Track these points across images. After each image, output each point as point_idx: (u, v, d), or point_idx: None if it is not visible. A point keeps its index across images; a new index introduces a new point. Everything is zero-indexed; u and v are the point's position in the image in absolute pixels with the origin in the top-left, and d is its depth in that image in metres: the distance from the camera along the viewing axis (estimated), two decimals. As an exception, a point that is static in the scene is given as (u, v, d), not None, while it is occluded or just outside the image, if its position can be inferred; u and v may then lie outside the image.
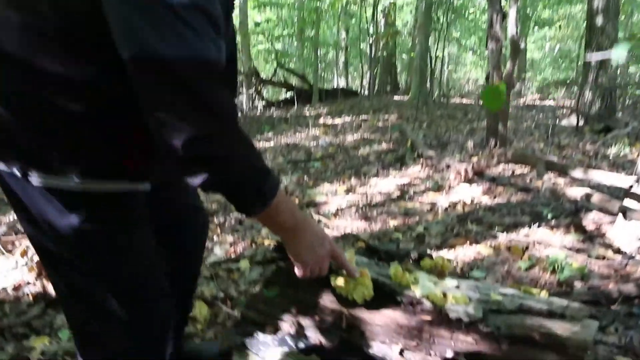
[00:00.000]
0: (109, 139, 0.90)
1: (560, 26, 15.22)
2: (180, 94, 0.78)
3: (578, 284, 2.28)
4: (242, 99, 11.26)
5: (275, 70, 14.78)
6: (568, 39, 21.44)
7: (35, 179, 0.89)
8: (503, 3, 4.80)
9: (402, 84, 17.54)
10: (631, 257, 2.54)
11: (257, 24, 14.80)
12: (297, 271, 1.09)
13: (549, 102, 11.31)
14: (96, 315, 1.03)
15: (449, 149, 5.22)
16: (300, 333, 1.22)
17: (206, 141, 0.82)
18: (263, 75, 14.92)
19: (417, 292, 1.17)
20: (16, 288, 2.52)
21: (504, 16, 4.65)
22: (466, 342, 1.08)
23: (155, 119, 0.81)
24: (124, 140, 0.91)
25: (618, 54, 0.84)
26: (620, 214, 2.70)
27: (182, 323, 1.48)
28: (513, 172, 4.09)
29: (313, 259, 1.07)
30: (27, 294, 2.44)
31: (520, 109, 9.41)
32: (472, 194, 3.60)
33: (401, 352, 1.11)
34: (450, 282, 1.22)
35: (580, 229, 2.88)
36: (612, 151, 4.93)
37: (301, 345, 1.19)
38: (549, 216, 3.03)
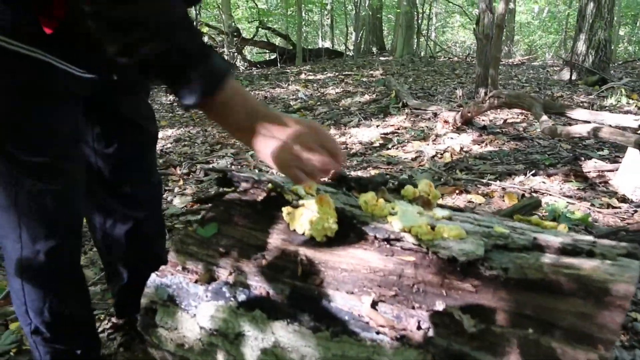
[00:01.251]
0: None
1: None
2: None
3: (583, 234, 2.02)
4: (223, 58, 10.76)
5: (257, 29, 14.23)
6: (558, 1, 21.01)
7: None
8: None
9: (389, 45, 17.05)
10: (639, 205, 2.29)
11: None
12: (290, 178, 0.85)
13: (537, 63, 11.00)
14: None
15: (436, 99, 4.90)
16: (240, 282, 0.91)
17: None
18: (245, 35, 14.36)
19: (395, 225, 0.87)
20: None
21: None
22: (462, 290, 0.78)
23: None
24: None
25: None
26: (624, 161, 2.43)
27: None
28: (505, 121, 3.80)
29: (289, 155, 0.82)
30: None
31: (510, 67, 9.10)
32: (460, 142, 3.30)
33: (374, 305, 0.81)
34: (440, 212, 0.93)
35: (580, 176, 2.61)
36: (608, 102, 4.65)
37: (242, 297, 0.89)
38: (546, 163, 2.75)
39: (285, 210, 0.95)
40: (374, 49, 15.93)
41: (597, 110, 4.43)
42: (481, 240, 0.82)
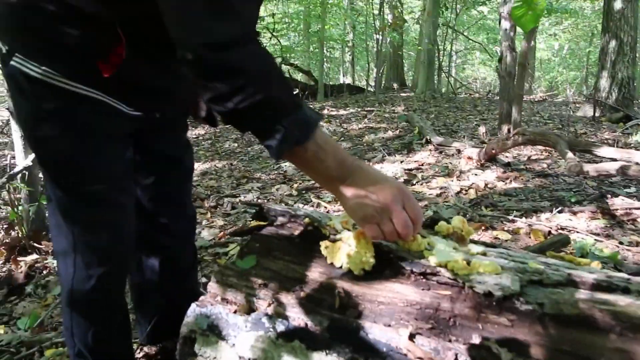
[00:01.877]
0: (86, 41, 0.93)
1: (576, 11, 14.84)
2: None
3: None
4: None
5: (280, 66, 14.55)
6: (579, 39, 21.12)
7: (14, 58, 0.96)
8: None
9: (409, 81, 17.24)
10: (668, 244, 2.26)
11: (261, 19, 14.52)
12: (367, 232, 0.91)
13: (559, 99, 11.00)
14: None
15: (459, 136, 4.94)
16: (279, 313, 0.95)
17: (222, 48, 0.78)
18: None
19: (431, 260, 0.89)
20: (-22, 272, 2.27)
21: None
22: (499, 324, 0.80)
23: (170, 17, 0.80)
24: (101, 46, 0.94)
25: None
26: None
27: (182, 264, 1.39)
28: (529, 158, 3.81)
29: (374, 212, 0.87)
30: (-11, 279, 2.19)
31: (531, 103, 9.12)
32: (485, 178, 3.31)
33: (411, 337, 0.83)
34: (475, 248, 0.95)
35: (608, 214, 2.59)
36: (633, 139, 4.63)
37: (281, 327, 0.92)
38: (572, 200, 2.75)
39: (323, 244, 0.98)
40: (395, 85, 16.13)
41: (622, 147, 4.42)
42: (516, 276, 0.84)
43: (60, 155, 1.03)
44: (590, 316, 0.77)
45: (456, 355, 0.80)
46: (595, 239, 2.27)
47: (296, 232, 1.10)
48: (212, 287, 1.06)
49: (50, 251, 2.42)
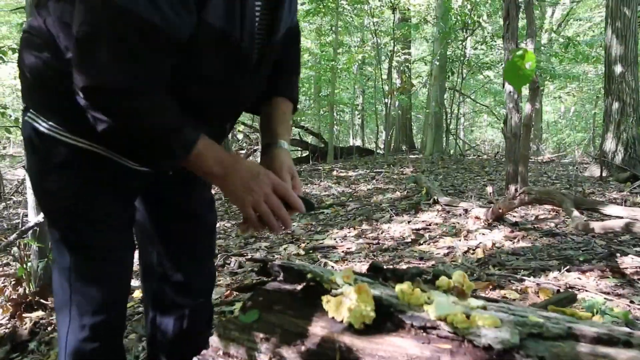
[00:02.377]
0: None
1: (578, 76, 15.14)
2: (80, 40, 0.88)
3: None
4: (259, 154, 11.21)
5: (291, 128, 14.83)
6: (584, 102, 21.44)
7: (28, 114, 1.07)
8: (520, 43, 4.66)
9: (418, 144, 17.46)
10: (681, 304, 2.22)
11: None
12: (242, 222, 1.11)
13: (567, 160, 11.06)
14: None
15: (466, 196, 4.96)
16: (280, 367, 0.95)
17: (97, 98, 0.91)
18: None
19: (431, 313, 0.90)
20: (-17, 329, 2.28)
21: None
22: (498, 377, 0.80)
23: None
24: None
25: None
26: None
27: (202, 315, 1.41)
28: (536, 217, 3.81)
29: (250, 196, 1.05)
30: (-6, 336, 2.19)
31: (539, 164, 9.18)
32: (492, 238, 3.31)
33: (411, 391, 0.83)
34: (474, 302, 0.96)
35: (618, 272, 2.56)
36: (641, 199, 4.62)
37: (281, 382, 0.92)
38: (581, 259, 2.73)
39: (325, 298, 0.99)
40: (404, 147, 16.35)
41: (630, 206, 4.41)
42: (516, 329, 0.84)
43: (63, 207, 1.10)
44: (592, 370, 0.77)
45: (456, 410, 0.79)
46: (605, 298, 2.24)
47: (299, 287, 1.11)
48: (215, 341, 1.06)
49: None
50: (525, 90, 5.56)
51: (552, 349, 0.81)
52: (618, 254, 2.81)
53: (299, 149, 15.56)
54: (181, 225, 1.31)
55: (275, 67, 1.24)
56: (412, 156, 13.26)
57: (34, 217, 2.45)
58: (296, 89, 1.36)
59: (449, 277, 1.07)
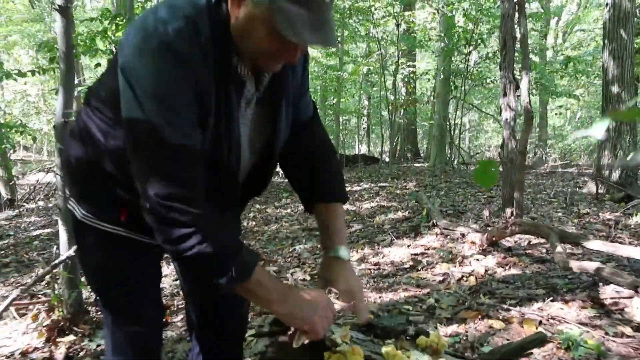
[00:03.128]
0: (112, 196, 1.26)
1: (578, 97, 15.33)
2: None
3: (595, 363, 2.20)
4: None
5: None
6: (590, 107, 21.56)
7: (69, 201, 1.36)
8: (516, 74, 4.90)
9: (424, 150, 17.72)
10: (651, 335, 2.45)
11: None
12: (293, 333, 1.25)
13: (572, 169, 11.23)
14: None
15: (465, 217, 5.20)
16: (290, 412, 1.20)
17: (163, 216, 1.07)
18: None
19: (409, 372, 1.15)
20: (24, 353, 2.55)
21: (517, 86, 4.73)
22: None
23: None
24: (121, 201, 1.25)
25: (597, 130, 0.86)
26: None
27: None
28: (529, 242, 4.04)
29: (304, 323, 1.19)
30: (35, 359, 2.46)
31: (541, 177, 9.38)
32: (486, 264, 3.54)
33: None
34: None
35: (597, 303, 2.79)
36: (634, 220, 4.83)
37: None
38: (565, 289, 2.96)
39: (327, 354, 1.25)
40: (409, 155, 16.59)
41: (621, 229, 4.63)
42: (472, 388, 1.09)
43: (100, 278, 1.39)
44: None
45: None
46: (583, 330, 2.47)
47: (306, 342, 1.36)
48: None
49: (87, 333, 2.69)
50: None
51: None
52: (601, 284, 3.03)
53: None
54: None
55: (305, 167, 1.42)
56: (417, 164, 13.51)
57: (65, 251, 2.72)
58: (340, 183, 1.46)
59: (427, 335, 1.33)
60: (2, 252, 5.63)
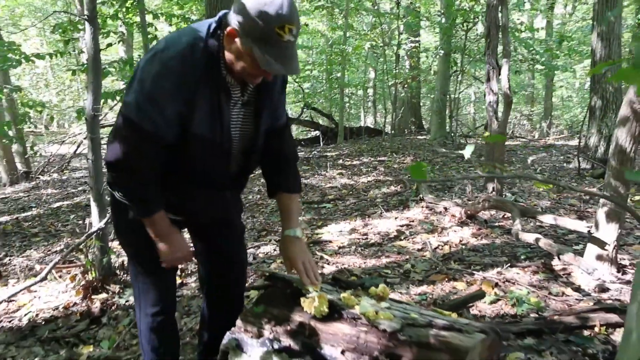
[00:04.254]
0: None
1: (575, 71, 15.49)
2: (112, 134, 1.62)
3: (533, 317, 2.68)
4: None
5: (302, 110, 15.46)
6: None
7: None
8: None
9: (427, 122, 17.99)
10: (587, 295, 2.93)
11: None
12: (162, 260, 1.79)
13: (573, 142, 11.51)
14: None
15: (453, 192, 5.65)
16: (276, 338, 1.69)
17: (109, 167, 1.61)
18: (291, 114, 15.69)
19: (357, 310, 1.63)
20: (66, 307, 3.07)
21: (500, 71, 5.11)
22: (388, 346, 1.53)
23: None
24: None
25: (467, 152, 1.31)
26: (584, 257, 3.09)
27: (224, 319, 1.99)
28: (503, 215, 4.49)
29: (168, 257, 1.78)
30: (75, 312, 2.98)
31: (535, 150, 9.72)
32: (461, 235, 4.02)
33: (342, 352, 1.57)
34: (384, 304, 1.69)
35: (549, 269, 3.27)
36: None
37: (276, 346, 1.66)
38: (522, 257, 3.44)
39: (302, 299, 1.73)
40: (413, 128, 16.93)
41: (593, 203, 5.06)
42: (400, 321, 1.57)
43: (129, 241, 1.87)
44: (433, 343, 1.50)
45: (364, 362, 1.53)
46: (530, 290, 2.95)
47: (288, 291, 1.85)
48: (238, 322, 1.81)
49: (117, 292, 3.21)
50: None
51: (417, 332, 1.53)
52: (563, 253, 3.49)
53: (311, 129, 16.22)
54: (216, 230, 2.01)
55: (273, 164, 1.91)
56: (420, 137, 13.88)
57: (97, 223, 3.21)
58: (296, 180, 1.95)
59: (377, 287, 1.80)
60: (29, 222, 6.17)
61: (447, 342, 1.48)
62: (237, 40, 1.50)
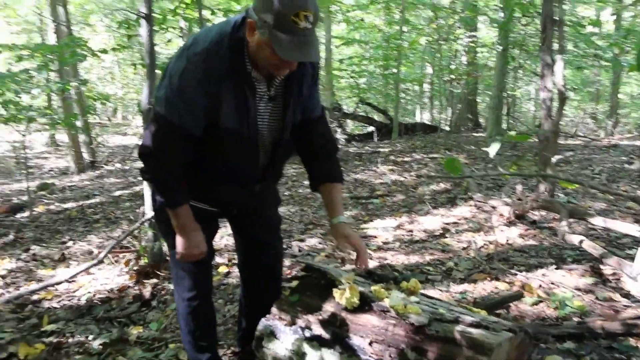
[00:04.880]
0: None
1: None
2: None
3: (575, 320, 2.62)
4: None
5: (357, 105, 15.46)
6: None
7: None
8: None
9: (484, 119, 17.59)
10: (637, 301, 2.83)
11: (340, 61, 15.57)
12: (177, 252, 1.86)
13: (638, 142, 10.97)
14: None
15: (504, 191, 5.54)
16: (308, 326, 1.76)
17: (140, 157, 1.72)
18: (346, 109, 15.73)
19: (387, 302, 1.68)
20: (120, 289, 3.26)
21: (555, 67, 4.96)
22: (415, 339, 1.57)
23: None
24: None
25: (492, 150, 1.32)
26: (635, 262, 2.99)
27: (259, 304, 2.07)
28: (554, 216, 4.38)
29: (182, 252, 1.83)
30: (128, 295, 3.16)
31: (596, 150, 9.32)
32: (508, 235, 3.95)
33: (370, 344, 1.62)
34: (413, 298, 1.72)
35: (597, 273, 3.17)
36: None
37: (307, 334, 1.73)
38: (569, 260, 3.35)
39: (334, 290, 1.79)
40: (469, 125, 16.61)
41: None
42: (427, 315, 1.60)
43: (168, 233, 1.90)
44: (459, 339, 1.52)
45: (390, 355, 1.57)
46: (575, 294, 2.89)
47: (322, 282, 1.91)
48: (274, 310, 1.89)
49: (166, 277, 3.38)
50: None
51: (444, 327, 1.56)
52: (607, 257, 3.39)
53: (365, 124, 16.19)
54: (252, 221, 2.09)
55: (313, 156, 1.96)
56: (476, 134, 13.60)
57: (150, 211, 3.39)
58: (337, 169, 1.97)
59: (408, 281, 1.84)
60: (92, 209, 6.53)
61: (473, 338, 1.50)
62: (257, 31, 1.55)
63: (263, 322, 1.88)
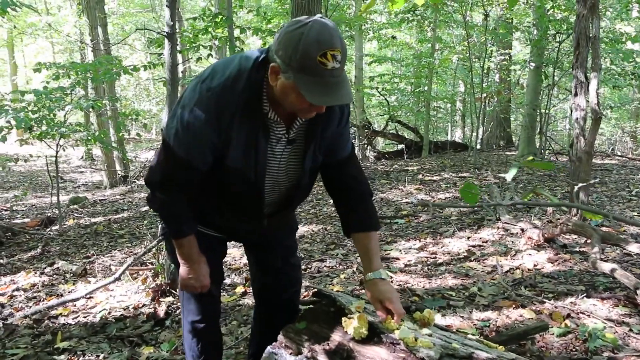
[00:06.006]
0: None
1: None
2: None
3: (606, 355, 2.46)
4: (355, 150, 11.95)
5: (387, 123, 15.37)
6: None
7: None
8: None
9: (517, 138, 17.25)
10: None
11: (371, 78, 15.55)
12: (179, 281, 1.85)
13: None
14: None
15: (534, 212, 5.36)
16: (314, 357, 1.68)
17: (146, 184, 1.70)
18: (376, 127, 15.67)
19: (397, 335, 1.59)
20: (135, 307, 3.24)
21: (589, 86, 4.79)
22: (425, 375, 1.47)
23: None
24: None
25: (510, 175, 1.24)
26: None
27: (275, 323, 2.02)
28: (586, 241, 4.19)
29: (184, 282, 1.82)
30: (143, 313, 3.13)
31: (637, 170, 8.98)
32: (536, 259, 3.79)
33: (378, 377, 1.52)
34: (425, 331, 1.62)
35: (632, 303, 2.99)
36: None
37: (312, 365, 1.65)
38: (601, 288, 3.18)
39: (343, 319, 1.70)
40: (501, 143, 16.31)
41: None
42: (439, 350, 1.50)
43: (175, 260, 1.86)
44: (472, 376, 1.42)
45: (399, 389, 1.48)
46: (607, 325, 2.72)
47: (332, 309, 1.83)
48: (280, 338, 1.82)
49: (183, 296, 3.34)
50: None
51: (456, 363, 1.46)
52: (642, 285, 3.20)
53: (395, 142, 16.06)
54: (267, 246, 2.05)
55: (345, 200, 1.83)
56: (508, 153, 13.32)
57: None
58: (372, 216, 1.82)
59: (422, 312, 1.74)
60: (118, 224, 6.60)
61: (488, 377, 1.40)
62: (281, 76, 1.44)
63: (268, 350, 1.81)
